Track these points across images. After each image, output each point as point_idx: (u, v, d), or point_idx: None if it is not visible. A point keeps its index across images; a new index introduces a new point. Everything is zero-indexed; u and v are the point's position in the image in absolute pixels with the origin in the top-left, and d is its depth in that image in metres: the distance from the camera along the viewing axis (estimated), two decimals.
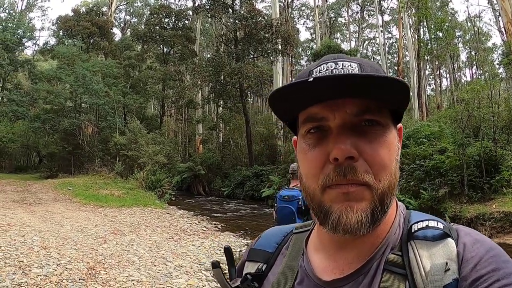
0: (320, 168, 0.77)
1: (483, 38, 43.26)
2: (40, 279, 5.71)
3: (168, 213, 15.19)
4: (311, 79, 0.71)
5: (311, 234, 0.94)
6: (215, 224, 13.76)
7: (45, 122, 28.72)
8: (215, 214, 16.80)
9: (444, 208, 11.95)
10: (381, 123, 0.78)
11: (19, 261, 6.44)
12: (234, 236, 11.58)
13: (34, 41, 44.75)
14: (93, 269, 6.54)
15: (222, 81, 29.15)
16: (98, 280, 6.08)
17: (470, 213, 11.17)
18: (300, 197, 5.16)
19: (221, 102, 33.94)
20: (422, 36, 31.19)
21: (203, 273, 7.31)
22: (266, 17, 30.26)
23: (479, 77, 42.12)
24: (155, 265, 7.34)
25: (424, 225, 0.79)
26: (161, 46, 36.17)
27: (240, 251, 9.67)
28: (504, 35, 28.56)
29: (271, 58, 28.86)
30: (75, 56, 29.63)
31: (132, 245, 8.75)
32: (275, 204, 5.41)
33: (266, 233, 1.04)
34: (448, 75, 47.09)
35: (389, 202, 0.78)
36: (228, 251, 0.99)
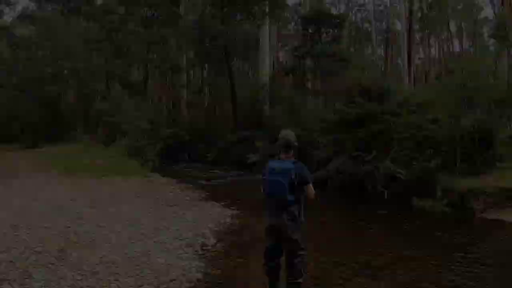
0: None
1: (475, 10, 43.93)
2: (4, 266, 5.26)
3: (151, 181, 14.75)
4: None
5: None
6: (198, 192, 13.23)
7: (24, 91, 27.71)
8: (199, 181, 16.29)
9: (435, 180, 11.59)
10: None
11: None
12: (219, 206, 11.00)
13: (11, 7, 43.05)
14: (64, 251, 6.10)
15: (207, 44, 28.34)
16: (68, 263, 5.64)
17: (462, 186, 10.84)
18: (293, 171, 4.58)
19: (206, 66, 33.16)
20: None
21: (184, 250, 6.84)
22: None
23: (469, 48, 43.14)
24: (132, 242, 6.92)
25: None
26: (145, 9, 34.99)
27: (225, 222, 9.22)
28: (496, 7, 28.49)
29: (258, 22, 28.02)
30: (54, 21, 28.52)
31: (110, 220, 8.29)
32: (264, 177, 4.75)
33: None
34: (437, 45, 47.11)
35: None
36: None
